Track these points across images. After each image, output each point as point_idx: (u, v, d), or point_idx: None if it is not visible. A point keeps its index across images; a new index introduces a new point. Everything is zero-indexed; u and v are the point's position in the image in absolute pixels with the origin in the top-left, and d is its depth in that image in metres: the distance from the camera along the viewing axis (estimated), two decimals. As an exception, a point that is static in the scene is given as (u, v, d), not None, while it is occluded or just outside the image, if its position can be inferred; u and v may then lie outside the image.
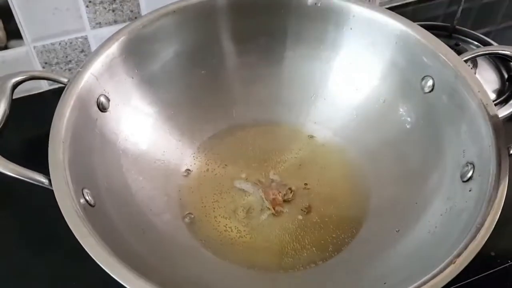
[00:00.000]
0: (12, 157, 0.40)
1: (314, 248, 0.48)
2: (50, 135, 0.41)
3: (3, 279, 0.48)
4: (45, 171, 0.39)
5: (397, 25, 0.51)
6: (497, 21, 0.79)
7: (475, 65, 0.64)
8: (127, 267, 0.34)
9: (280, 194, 0.52)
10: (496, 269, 0.48)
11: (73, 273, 0.48)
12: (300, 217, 0.51)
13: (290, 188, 0.52)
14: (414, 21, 0.52)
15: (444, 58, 0.48)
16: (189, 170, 0.54)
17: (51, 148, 0.40)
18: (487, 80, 0.65)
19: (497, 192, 0.39)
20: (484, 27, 0.76)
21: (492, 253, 0.49)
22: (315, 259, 0.47)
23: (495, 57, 0.67)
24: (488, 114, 0.43)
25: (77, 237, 0.35)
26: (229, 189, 0.53)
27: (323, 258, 0.47)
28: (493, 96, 0.63)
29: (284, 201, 0.52)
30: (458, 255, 0.35)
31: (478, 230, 0.37)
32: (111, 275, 0.34)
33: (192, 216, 0.50)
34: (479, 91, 0.45)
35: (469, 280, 0.47)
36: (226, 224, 0.50)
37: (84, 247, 0.35)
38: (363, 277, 0.44)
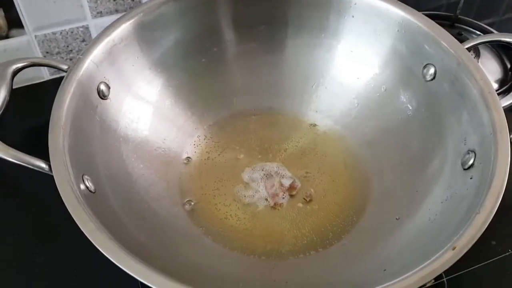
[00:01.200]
0: (13, 145, 0.40)
1: (314, 236, 0.48)
2: (50, 121, 0.41)
3: (4, 266, 0.48)
4: (46, 158, 0.39)
5: (399, 12, 0.51)
6: (500, 11, 0.78)
7: (477, 54, 0.64)
8: (126, 252, 0.34)
9: (283, 188, 0.52)
10: (497, 258, 0.48)
11: (74, 260, 0.48)
12: (300, 205, 0.51)
13: (292, 184, 0.52)
14: (417, 10, 0.51)
15: (446, 45, 0.48)
16: (189, 157, 0.54)
17: (51, 134, 0.40)
18: (490, 69, 0.64)
19: (498, 179, 0.38)
20: (487, 17, 0.75)
21: (493, 242, 0.49)
22: (315, 246, 0.47)
23: (498, 46, 0.66)
24: (490, 102, 0.43)
25: (76, 222, 0.35)
26: (229, 177, 0.53)
27: (323, 246, 0.47)
28: (495, 86, 0.62)
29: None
30: (458, 241, 0.35)
31: (478, 216, 0.37)
32: (111, 259, 0.34)
33: (192, 203, 0.50)
34: (481, 79, 0.44)
35: (469, 269, 0.47)
36: (226, 212, 0.50)
37: (84, 232, 0.35)
38: (363, 264, 0.44)
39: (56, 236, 0.49)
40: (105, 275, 0.46)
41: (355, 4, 0.53)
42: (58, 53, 0.64)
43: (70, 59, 0.65)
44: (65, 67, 0.46)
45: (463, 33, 0.67)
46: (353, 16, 0.54)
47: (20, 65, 0.44)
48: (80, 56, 0.46)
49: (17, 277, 0.47)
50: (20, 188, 0.54)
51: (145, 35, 0.51)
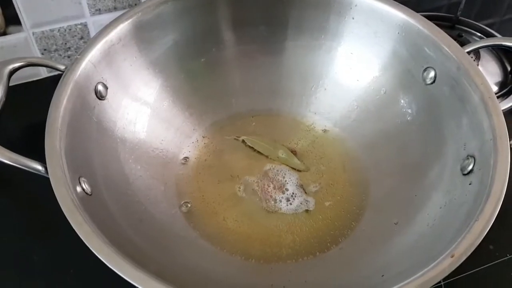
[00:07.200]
0: (9, 144, 0.40)
1: (312, 240, 0.48)
2: (46, 122, 0.41)
3: (1, 265, 0.48)
4: (42, 159, 0.39)
5: (399, 15, 0.51)
6: (501, 12, 0.78)
7: (477, 57, 0.64)
8: (122, 256, 0.34)
9: (279, 191, 0.51)
10: (495, 262, 0.48)
11: (72, 259, 0.47)
12: (298, 209, 0.50)
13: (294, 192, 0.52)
14: (417, 11, 0.51)
15: (446, 49, 0.47)
16: (187, 158, 0.54)
17: (48, 136, 0.40)
18: (490, 72, 0.64)
19: (497, 186, 0.38)
20: (487, 18, 0.75)
21: (491, 247, 0.49)
22: (313, 250, 0.47)
23: (498, 49, 0.66)
24: (490, 107, 0.42)
25: (72, 225, 0.35)
26: (227, 179, 0.53)
27: (321, 250, 0.47)
28: (495, 88, 0.62)
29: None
30: (457, 248, 0.35)
31: (477, 223, 0.36)
32: (106, 264, 0.34)
33: (189, 205, 0.50)
34: (481, 84, 0.44)
35: (467, 273, 0.47)
36: (224, 214, 0.50)
37: (80, 236, 0.35)
38: (361, 269, 0.44)
39: (54, 234, 0.49)
40: (103, 274, 0.46)
41: (356, 5, 0.52)
42: (56, 50, 0.63)
43: (68, 57, 0.65)
44: (62, 67, 0.45)
45: (463, 34, 0.67)
46: (353, 18, 0.53)
47: (16, 65, 0.44)
48: (78, 56, 0.46)
49: (14, 276, 0.47)
50: (17, 186, 0.54)
51: (143, 35, 0.51)
